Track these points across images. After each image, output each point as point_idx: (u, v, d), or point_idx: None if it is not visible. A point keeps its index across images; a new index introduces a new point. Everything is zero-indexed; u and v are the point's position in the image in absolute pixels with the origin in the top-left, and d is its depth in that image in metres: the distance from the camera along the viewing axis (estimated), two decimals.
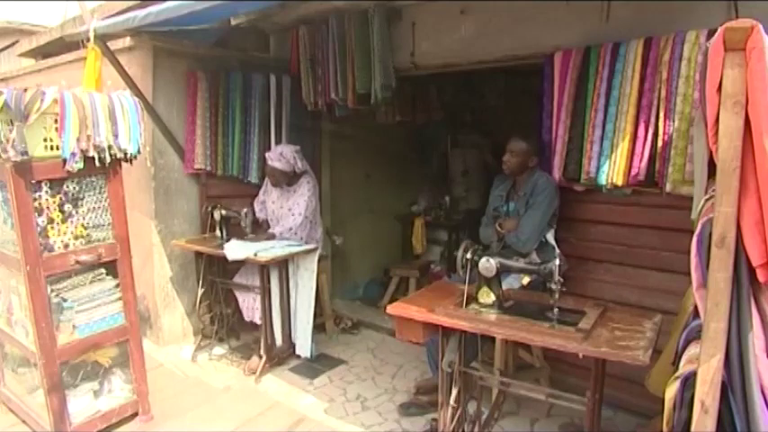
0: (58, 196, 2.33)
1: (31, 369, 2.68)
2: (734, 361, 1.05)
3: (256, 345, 3.38)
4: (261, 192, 3.68)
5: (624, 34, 2.38)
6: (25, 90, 2.13)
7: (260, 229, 3.59)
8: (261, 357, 3.25)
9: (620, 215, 2.66)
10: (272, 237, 3.39)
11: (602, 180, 2.42)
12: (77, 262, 2.39)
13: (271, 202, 3.57)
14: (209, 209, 3.51)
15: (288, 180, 3.46)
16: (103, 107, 2.34)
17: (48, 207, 2.30)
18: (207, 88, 3.53)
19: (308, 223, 3.43)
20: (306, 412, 2.84)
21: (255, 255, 3.05)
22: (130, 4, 3.19)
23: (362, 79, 3.24)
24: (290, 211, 3.46)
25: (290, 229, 3.40)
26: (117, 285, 2.58)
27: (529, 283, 2.58)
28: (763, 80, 0.98)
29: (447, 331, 2.17)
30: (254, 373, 3.22)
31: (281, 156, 3.36)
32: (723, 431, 1.07)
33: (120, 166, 2.52)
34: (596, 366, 1.97)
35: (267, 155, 3.43)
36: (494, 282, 2.14)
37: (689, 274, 1.15)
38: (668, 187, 2.26)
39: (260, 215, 3.62)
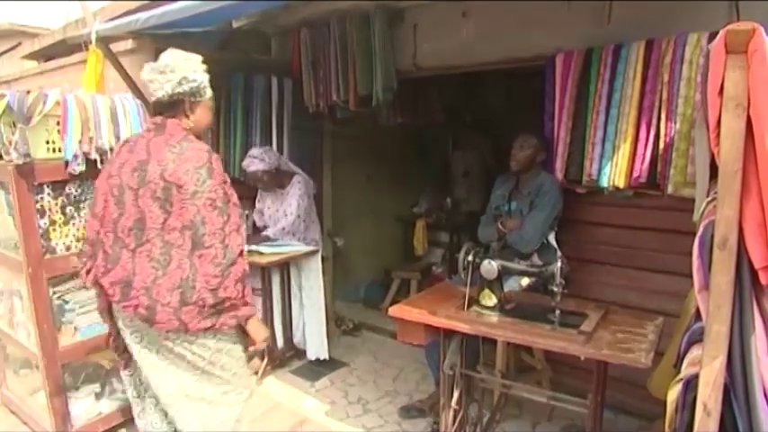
0: (60, 198, 2.34)
1: (32, 371, 2.69)
2: (736, 363, 1.05)
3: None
4: (257, 201, 3.62)
5: (626, 36, 2.38)
6: (28, 92, 2.14)
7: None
8: (262, 359, 3.25)
9: (622, 217, 2.66)
10: (267, 239, 3.33)
11: (604, 182, 2.42)
12: None
13: (266, 208, 3.54)
14: None
15: (277, 182, 3.39)
16: (105, 109, 2.35)
17: (50, 209, 2.31)
18: None
19: (301, 223, 3.40)
20: (307, 414, 2.84)
21: (249, 251, 3.07)
22: (132, 6, 3.19)
23: (364, 81, 3.24)
24: (284, 213, 3.44)
25: (283, 229, 3.34)
26: None
27: (528, 284, 2.58)
28: (765, 83, 0.98)
29: (448, 333, 2.18)
30: (256, 374, 3.21)
31: (255, 158, 3.26)
32: None
33: None
34: (598, 369, 1.97)
35: (243, 165, 3.30)
36: (495, 284, 2.14)
37: (691, 276, 1.15)
38: (670, 189, 2.25)
39: (260, 224, 3.58)
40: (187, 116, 1.83)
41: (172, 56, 1.81)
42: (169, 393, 1.87)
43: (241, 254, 1.75)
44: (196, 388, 1.86)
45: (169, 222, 1.69)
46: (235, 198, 1.79)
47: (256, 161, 3.24)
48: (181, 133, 1.79)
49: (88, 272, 1.85)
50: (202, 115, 1.88)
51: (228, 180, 1.80)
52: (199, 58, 1.87)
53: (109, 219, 1.79)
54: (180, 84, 1.77)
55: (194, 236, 1.68)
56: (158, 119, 1.82)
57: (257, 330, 1.87)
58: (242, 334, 1.88)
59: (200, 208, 1.67)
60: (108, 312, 1.91)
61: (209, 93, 1.89)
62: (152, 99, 1.83)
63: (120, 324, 1.88)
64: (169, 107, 1.81)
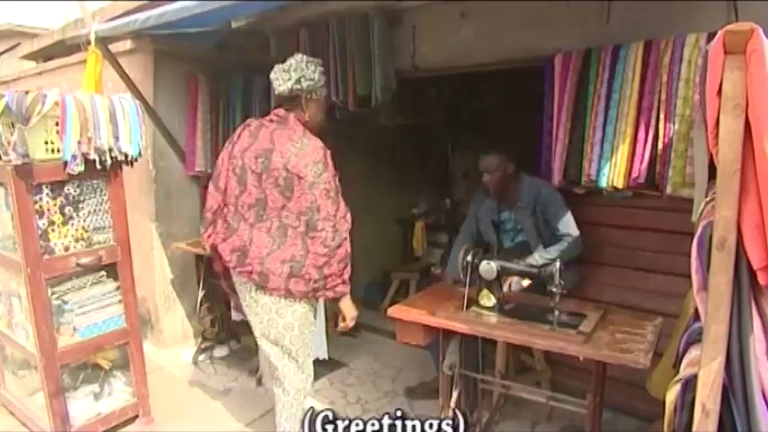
0: (58, 199, 2.34)
1: (31, 371, 2.68)
2: (735, 364, 1.05)
3: (257, 347, 3.37)
4: None
5: (625, 37, 2.38)
6: (27, 93, 2.13)
7: None
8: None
9: (621, 217, 2.66)
10: None
11: (603, 182, 2.42)
12: (78, 264, 2.39)
13: None
14: None
15: None
16: (104, 110, 2.35)
17: (48, 210, 2.31)
18: (207, 90, 3.54)
19: None
20: None
21: None
22: (131, 6, 3.19)
23: (363, 82, 3.24)
24: None
25: None
26: (117, 288, 2.58)
27: (529, 285, 2.58)
28: (763, 83, 0.98)
29: (448, 334, 2.18)
30: (255, 375, 3.21)
31: None
32: None
33: (121, 168, 2.53)
34: (597, 369, 1.97)
35: None
36: (494, 284, 2.14)
37: (689, 276, 1.15)
38: (669, 190, 2.25)
39: None
40: (303, 110, 2.11)
41: (296, 59, 2.10)
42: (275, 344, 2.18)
43: (347, 237, 2.02)
44: (289, 348, 2.14)
45: (288, 206, 1.99)
46: (340, 189, 2.06)
47: None
48: (300, 128, 2.08)
49: (208, 237, 2.16)
50: (316, 111, 2.17)
51: (337, 173, 2.07)
52: (318, 61, 2.15)
53: (230, 194, 2.10)
54: (298, 81, 2.05)
55: (309, 220, 1.96)
56: (281, 111, 2.11)
57: (349, 308, 2.12)
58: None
59: (317, 197, 1.96)
60: (225, 274, 2.24)
61: (323, 93, 2.17)
62: (275, 93, 2.12)
63: (236, 285, 2.20)
64: (289, 100, 2.10)
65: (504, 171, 2.64)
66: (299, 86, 2.05)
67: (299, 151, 2.00)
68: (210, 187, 2.19)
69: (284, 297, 2.02)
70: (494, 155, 2.64)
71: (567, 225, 2.56)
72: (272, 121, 2.11)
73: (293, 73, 2.05)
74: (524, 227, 2.65)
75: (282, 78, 2.06)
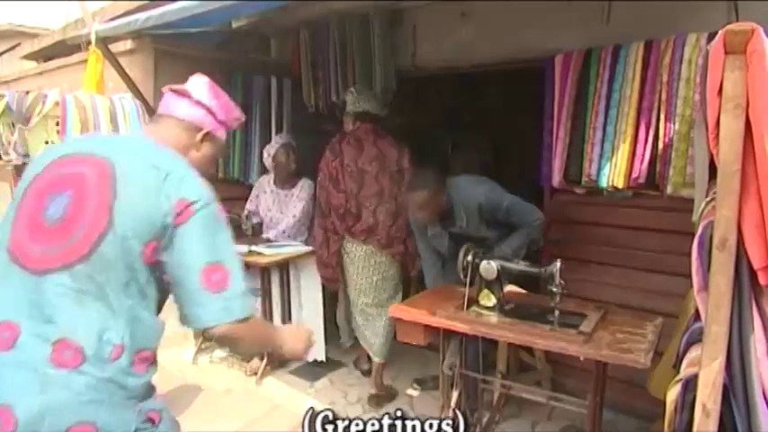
0: None
1: None
2: (735, 364, 1.05)
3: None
4: (248, 202, 3.55)
5: (625, 37, 2.39)
6: (27, 93, 2.14)
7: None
8: (262, 360, 3.25)
9: (621, 217, 2.66)
10: (267, 241, 3.35)
11: (603, 182, 2.42)
12: None
13: (267, 209, 3.51)
14: None
15: (289, 176, 3.40)
16: (105, 110, 2.36)
17: None
18: None
19: (301, 226, 3.41)
20: None
21: (249, 252, 3.08)
22: (132, 6, 3.20)
23: (363, 81, 3.24)
24: (287, 214, 3.43)
25: (284, 232, 3.38)
26: None
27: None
28: (764, 83, 0.99)
29: (448, 334, 2.18)
30: (256, 375, 3.21)
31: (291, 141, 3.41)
32: None
33: None
34: (597, 369, 1.97)
35: (277, 144, 3.39)
36: (495, 284, 2.14)
37: (690, 276, 1.15)
38: (669, 189, 2.26)
39: (254, 219, 3.56)
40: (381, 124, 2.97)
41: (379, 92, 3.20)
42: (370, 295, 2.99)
43: None
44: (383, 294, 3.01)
45: (399, 192, 2.82)
46: None
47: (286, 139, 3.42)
48: (390, 137, 2.94)
49: (342, 224, 2.89)
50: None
51: None
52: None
53: (350, 192, 2.85)
54: (382, 109, 3.00)
55: (403, 198, 2.75)
56: (369, 126, 2.89)
57: None
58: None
59: (407, 181, 2.75)
60: (338, 253, 2.97)
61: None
62: (362, 110, 2.92)
63: (350, 252, 2.94)
64: (377, 118, 2.94)
65: (437, 203, 2.54)
66: (383, 112, 2.98)
67: (400, 152, 2.89)
68: (332, 190, 2.89)
69: (400, 256, 2.93)
70: (423, 190, 2.49)
71: (523, 217, 2.45)
72: (367, 134, 2.86)
73: (382, 103, 2.97)
74: (475, 233, 2.52)
75: (380, 104, 2.96)
